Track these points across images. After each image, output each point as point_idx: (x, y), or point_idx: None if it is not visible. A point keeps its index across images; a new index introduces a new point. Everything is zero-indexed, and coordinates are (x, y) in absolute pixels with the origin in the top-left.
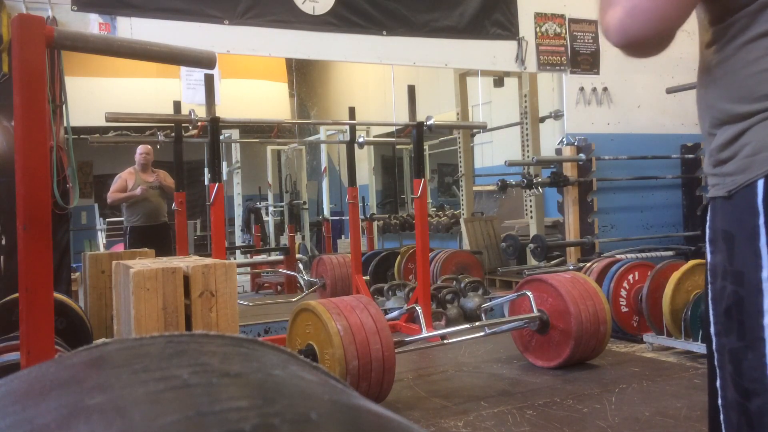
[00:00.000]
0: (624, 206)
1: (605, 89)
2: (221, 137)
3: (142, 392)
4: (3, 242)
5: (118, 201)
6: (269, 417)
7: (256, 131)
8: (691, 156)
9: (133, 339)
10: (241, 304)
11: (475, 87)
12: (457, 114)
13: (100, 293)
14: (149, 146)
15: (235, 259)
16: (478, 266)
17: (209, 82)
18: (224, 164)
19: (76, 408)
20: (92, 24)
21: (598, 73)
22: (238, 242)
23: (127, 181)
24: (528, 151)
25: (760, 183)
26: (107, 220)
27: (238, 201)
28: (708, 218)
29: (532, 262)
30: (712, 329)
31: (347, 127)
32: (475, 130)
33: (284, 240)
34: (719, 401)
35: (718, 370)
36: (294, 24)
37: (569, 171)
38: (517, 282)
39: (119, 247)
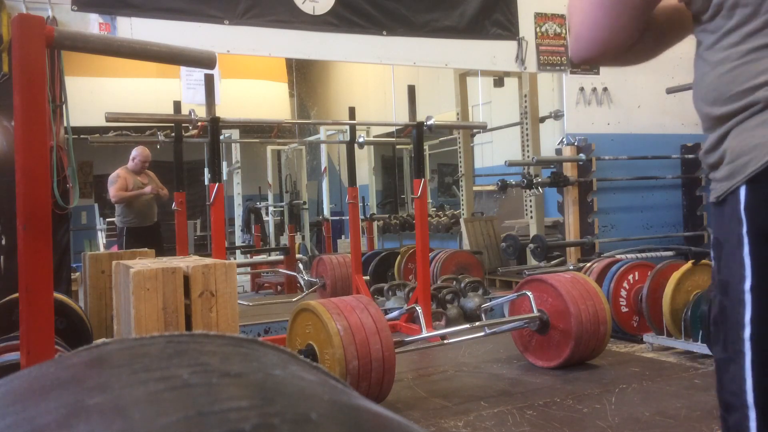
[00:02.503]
0: (624, 206)
1: (605, 89)
2: (221, 137)
3: (142, 392)
4: (3, 242)
5: (126, 199)
6: (269, 417)
7: (256, 131)
8: (691, 156)
9: (133, 339)
10: (241, 304)
11: (475, 87)
12: (457, 114)
13: (100, 293)
14: (148, 152)
15: (235, 259)
16: (478, 266)
17: (209, 82)
18: (224, 164)
19: (76, 408)
20: (92, 24)
21: (598, 73)
22: (238, 242)
23: (126, 180)
24: (528, 151)
25: (742, 190)
26: (107, 220)
27: (238, 201)
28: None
29: (532, 262)
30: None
31: (347, 127)
32: (475, 130)
33: (284, 240)
34: None
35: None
36: (294, 24)
37: (569, 171)
38: (517, 282)
39: None
